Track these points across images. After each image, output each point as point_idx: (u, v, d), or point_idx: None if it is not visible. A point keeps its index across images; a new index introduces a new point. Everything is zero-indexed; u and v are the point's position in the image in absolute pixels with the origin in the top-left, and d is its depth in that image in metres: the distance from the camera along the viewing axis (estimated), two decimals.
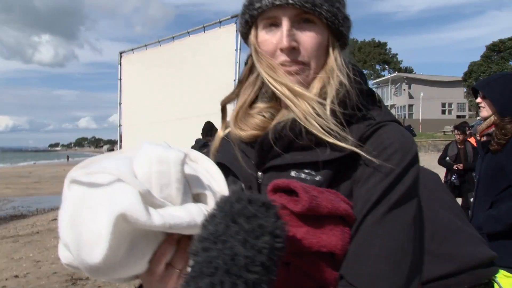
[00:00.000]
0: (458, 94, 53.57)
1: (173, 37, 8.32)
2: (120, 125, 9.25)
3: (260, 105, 1.10)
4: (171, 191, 0.81)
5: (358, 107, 0.98)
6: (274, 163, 1.00)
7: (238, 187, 0.98)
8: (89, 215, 0.76)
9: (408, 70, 71.69)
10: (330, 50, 1.02)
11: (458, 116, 47.69)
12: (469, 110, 51.99)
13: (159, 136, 8.15)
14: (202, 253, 0.69)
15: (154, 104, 8.41)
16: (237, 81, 4.95)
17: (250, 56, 1.11)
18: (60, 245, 0.84)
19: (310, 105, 0.95)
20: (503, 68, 42.56)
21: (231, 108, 1.18)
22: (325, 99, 0.97)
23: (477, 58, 46.75)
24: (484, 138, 2.73)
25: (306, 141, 0.96)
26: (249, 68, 1.12)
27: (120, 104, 9.22)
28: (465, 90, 50.58)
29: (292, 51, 0.99)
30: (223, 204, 0.73)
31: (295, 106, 0.97)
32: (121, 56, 9.28)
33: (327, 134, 0.93)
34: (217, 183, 0.93)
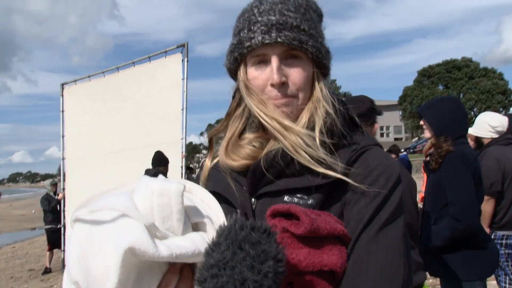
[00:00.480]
0: (395, 118, 56.14)
1: (117, 68, 8.22)
2: (63, 158, 8.93)
3: (249, 135, 1.15)
4: (172, 222, 0.84)
5: (343, 133, 1.04)
6: (267, 190, 1.04)
7: (237, 215, 1.02)
8: (97, 252, 0.77)
9: (347, 95, 74.55)
10: (316, 82, 1.09)
11: (396, 139, 49.87)
12: (405, 132, 54.53)
13: (106, 167, 7.95)
14: (211, 280, 0.72)
15: (100, 135, 8.21)
16: (185, 110, 4.93)
17: (237, 90, 1.16)
18: (66, 284, 0.84)
19: (299, 137, 1.01)
20: (433, 92, 45.23)
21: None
22: (313, 128, 1.03)
23: (410, 82, 49.50)
24: (428, 158, 2.93)
25: (296, 169, 1.01)
26: (237, 102, 1.16)
27: (63, 136, 8.93)
28: (400, 113, 53.12)
29: (282, 85, 1.04)
30: (227, 231, 0.76)
31: (284, 138, 1.02)
32: (63, 88, 9.04)
33: (316, 164, 0.98)
34: (213, 211, 0.96)
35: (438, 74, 47.31)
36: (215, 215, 0.95)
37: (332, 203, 1.01)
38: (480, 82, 45.40)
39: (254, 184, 1.07)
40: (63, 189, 9.01)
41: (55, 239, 9.44)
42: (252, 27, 1.04)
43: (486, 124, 3.94)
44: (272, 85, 1.05)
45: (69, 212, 7.77)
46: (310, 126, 1.04)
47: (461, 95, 45.57)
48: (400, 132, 56.55)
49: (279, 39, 1.01)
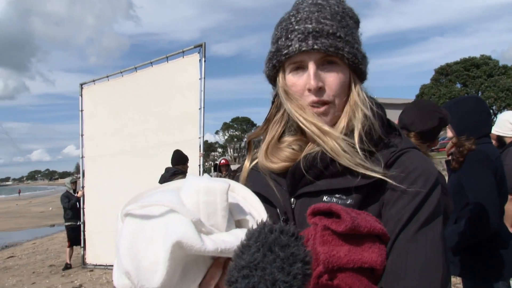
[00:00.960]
0: None
1: (135, 68, 8.33)
2: (82, 157, 9.08)
3: (288, 138, 1.19)
4: (217, 219, 0.88)
5: (381, 136, 1.08)
6: (306, 190, 1.09)
7: (271, 215, 1.04)
8: (147, 245, 0.83)
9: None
10: (353, 86, 1.12)
11: None
12: None
13: (124, 166, 8.07)
14: (243, 280, 0.75)
15: (118, 134, 8.33)
16: (202, 109, 5.00)
17: (276, 95, 1.20)
18: (116, 274, 0.88)
19: (337, 143, 1.05)
20: (451, 91, 44.64)
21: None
22: (352, 132, 1.07)
23: (427, 81, 48.93)
24: (449, 157, 2.92)
25: (335, 170, 1.05)
26: (276, 107, 1.21)
27: (82, 135, 9.08)
28: None
29: (319, 91, 1.08)
30: (257, 234, 0.80)
31: (323, 142, 1.07)
32: (82, 88, 9.18)
33: (355, 166, 1.03)
34: (255, 210, 1.00)
35: (455, 72, 46.69)
36: (257, 213, 1.00)
37: (370, 203, 1.04)
38: (500, 80, 44.64)
39: (293, 185, 1.12)
40: (83, 187, 9.15)
41: (75, 236, 9.58)
42: (289, 35, 1.09)
43: (508, 123, 3.91)
44: (309, 90, 1.09)
45: (89, 209, 7.85)
46: (349, 130, 1.07)
47: (480, 93, 44.92)
48: None
49: (315, 46, 1.05)
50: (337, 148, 1.05)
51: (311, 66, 1.07)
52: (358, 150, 1.04)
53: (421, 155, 1.08)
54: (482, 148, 2.72)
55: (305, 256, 0.78)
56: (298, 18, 1.09)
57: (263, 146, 1.21)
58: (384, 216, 1.02)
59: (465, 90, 45.09)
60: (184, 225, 0.81)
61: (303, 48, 1.06)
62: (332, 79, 1.09)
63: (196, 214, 0.85)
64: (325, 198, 1.06)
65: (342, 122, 1.10)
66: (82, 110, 9.15)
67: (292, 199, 1.12)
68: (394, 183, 1.01)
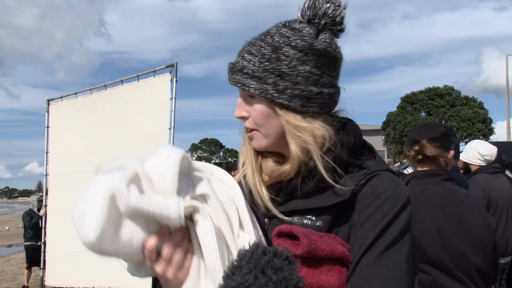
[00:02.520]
0: (378, 142, 56.76)
1: (105, 85, 8.21)
2: (46, 175, 8.82)
3: (267, 153, 1.22)
4: (167, 182, 0.92)
5: (348, 160, 1.10)
6: (279, 211, 1.11)
7: (257, 240, 1.04)
8: (91, 196, 0.92)
9: None
10: (281, 118, 1.12)
11: None
12: (388, 157, 55.02)
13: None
14: None
15: (85, 152, 8.15)
16: (172, 129, 4.95)
17: None
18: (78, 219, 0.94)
19: (303, 165, 1.09)
20: (416, 118, 45.90)
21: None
22: (308, 157, 1.09)
23: (393, 108, 50.17)
24: None
25: (306, 191, 1.07)
26: None
27: (47, 152, 8.84)
28: (383, 138, 53.71)
29: (244, 119, 1.19)
30: (250, 255, 0.80)
31: (291, 164, 1.11)
32: (48, 104, 8.99)
33: (324, 187, 1.06)
34: (231, 189, 1.05)
35: (421, 101, 48.11)
36: (233, 192, 1.04)
37: (341, 224, 1.06)
38: (462, 110, 46.28)
39: (267, 206, 1.13)
40: (45, 205, 8.87)
41: (34, 257, 9.24)
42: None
43: (476, 152, 4.06)
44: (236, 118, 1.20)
45: (51, 229, 7.61)
46: (304, 156, 1.10)
47: (443, 122, 46.36)
48: (383, 157, 56.99)
49: (231, 82, 1.16)
50: (305, 169, 1.08)
51: (239, 97, 1.19)
52: (322, 172, 1.06)
53: (394, 177, 1.10)
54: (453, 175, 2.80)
55: (298, 282, 0.78)
56: (240, 49, 1.18)
57: (247, 162, 1.24)
58: (352, 238, 1.03)
59: (429, 118, 46.44)
60: (119, 178, 0.88)
61: (228, 80, 1.17)
62: (252, 111, 1.16)
63: (146, 173, 0.92)
64: (296, 219, 1.08)
65: (293, 148, 1.11)
66: (48, 127, 8.93)
67: (266, 219, 1.13)
68: (363, 205, 1.03)
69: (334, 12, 1.10)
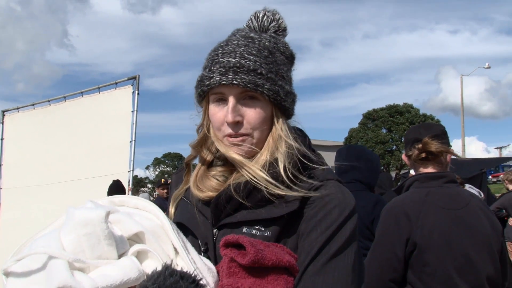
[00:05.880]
0: None
1: (64, 97, 8.04)
2: None
3: (216, 168, 1.20)
4: (103, 248, 0.86)
5: (302, 168, 1.10)
6: (227, 221, 1.09)
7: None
8: None
9: None
10: (275, 121, 1.14)
11: None
12: None
13: (48, 199, 7.61)
14: None
15: (43, 165, 7.90)
16: (133, 142, 4.88)
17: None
18: None
19: (256, 173, 1.07)
20: (377, 135, 47.03)
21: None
22: (273, 164, 1.08)
23: (355, 124, 51.16)
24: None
25: (255, 201, 1.06)
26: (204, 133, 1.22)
27: (0, 165, 8.52)
28: None
29: (237, 124, 1.11)
30: (156, 276, 0.79)
31: (246, 172, 1.08)
32: (3, 115, 8.70)
33: (273, 197, 1.04)
34: (151, 213, 1.00)
35: (381, 118, 49.37)
36: (154, 216, 1.00)
37: (289, 235, 1.06)
38: None
39: (216, 216, 1.12)
40: None
41: None
42: (212, 67, 1.11)
43: None
44: (227, 123, 1.11)
45: (3, 245, 7.26)
46: (270, 163, 1.09)
47: (403, 139, 47.61)
48: None
49: (234, 81, 1.07)
50: (257, 178, 1.06)
51: (231, 100, 1.10)
52: (284, 179, 1.06)
53: (341, 186, 1.12)
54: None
55: None
56: (224, 51, 1.12)
57: (195, 172, 1.22)
58: (299, 247, 1.04)
59: (389, 135, 47.66)
60: (61, 271, 0.79)
61: (223, 82, 1.08)
62: (251, 114, 1.11)
63: (77, 252, 0.83)
64: (244, 229, 1.07)
65: (264, 155, 1.12)
66: (2, 139, 8.63)
67: (215, 230, 1.12)
68: (310, 214, 1.04)
69: (282, 22, 1.22)
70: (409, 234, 2.07)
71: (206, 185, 1.16)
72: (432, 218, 2.10)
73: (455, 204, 2.17)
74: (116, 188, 5.96)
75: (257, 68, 1.09)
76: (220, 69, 1.09)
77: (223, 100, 1.13)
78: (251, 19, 1.21)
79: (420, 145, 2.30)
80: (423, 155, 2.29)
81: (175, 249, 0.95)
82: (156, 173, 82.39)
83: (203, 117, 1.21)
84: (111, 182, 6.15)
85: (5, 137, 8.60)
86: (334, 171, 1.75)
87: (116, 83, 7.42)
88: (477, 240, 2.09)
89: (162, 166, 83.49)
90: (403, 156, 2.49)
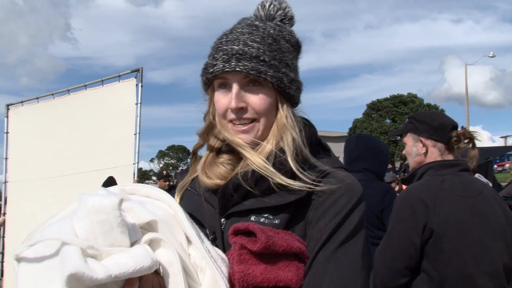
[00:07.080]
0: None
1: (68, 90, 8.03)
2: (5, 182, 8.53)
3: (224, 155, 1.20)
4: (116, 235, 0.85)
5: (308, 157, 1.11)
6: (235, 210, 1.09)
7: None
8: (47, 286, 0.79)
9: None
10: (280, 108, 1.15)
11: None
12: None
13: (53, 192, 7.65)
14: None
15: (47, 158, 7.92)
16: (137, 135, 4.89)
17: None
18: None
19: (264, 161, 1.07)
20: (382, 125, 46.98)
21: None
22: (279, 152, 1.09)
23: (359, 115, 51.17)
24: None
25: (262, 189, 1.06)
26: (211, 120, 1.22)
27: (6, 159, 8.55)
28: None
29: (240, 110, 1.11)
30: None
31: (251, 161, 1.09)
32: (8, 109, 8.72)
33: (281, 185, 1.05)
34: (162, 202, 1.00)
35: (386, 108, 49.25)
36: (167, 204, 0.99)
37: (297, 222, 1.06)
38: None
39: (224, 205, 1.12)
40: (4, 214, 8.57)
41: None
42: (216, 55, 1.12)
43: None
44: (231, 109, 1.12)
45: (10, 238, 7.33)
46: (277, 151, 1.10)
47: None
48: None
49: (237, 68, 1.08)
50: (265, 166, 1.07)
51: (234, 87, 1.11)
52: (292, 167, 1.06)
53: (348, 174, 1.12)
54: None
55: None
56: (228, 38, 1.13)
57: (203, 159, 1.23)
58: (307, 235, 1.04)
59: (394, 125, 47.56)
60: (74, 257, 0.77)
61: (226, 69, 1.09)
62: (256, 100, 1.12)
63: (89, 238, 0.82)
64: (253, 218, 1.07)
65: (270, 142, 1.12)
66: (7, 132, 8.65)
67: (223, 219, 1.12)
68: (318, 201, 1.04)
69: (288, 11, 1.23)
70: (426, 222, 2.07)
71: (215, 172, 1.17)
72: (448, 206, 2.10)
73: (470, 192, 2.17)
74: (110, 184, 5.96)
75: (260, 55, 1.09)
76: (223, 56, 1.10)
77: (227, 87, 1.14)
78: (258, 8, 1.22)
79: (463, 132, 2.31)
80: (466, 141, 2.31)
81: (188, 239, 0.94)
82: (161, 165, 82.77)
83: (209, 105, 1.22)
84: (116, 174, 6.16)
85: (9, 130, 8.63)
86: (343, 161, 1.73)
87: (119, 76, 7.40)
88: (493, 228, 2.09)
89: (167, 158, 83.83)
90: (425, 140, 2.40)
